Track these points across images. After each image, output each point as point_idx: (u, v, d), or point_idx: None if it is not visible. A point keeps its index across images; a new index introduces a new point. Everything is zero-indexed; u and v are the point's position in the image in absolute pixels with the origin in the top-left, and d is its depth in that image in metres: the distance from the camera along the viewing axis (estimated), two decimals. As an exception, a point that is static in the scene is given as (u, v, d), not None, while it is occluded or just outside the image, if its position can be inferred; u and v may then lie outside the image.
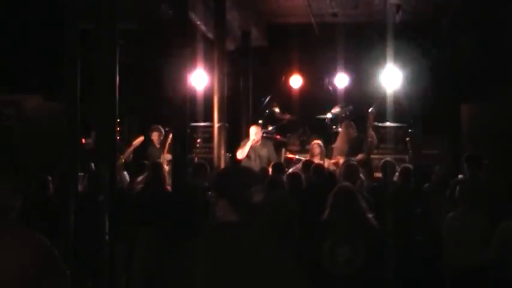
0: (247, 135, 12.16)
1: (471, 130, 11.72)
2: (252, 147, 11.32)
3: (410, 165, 9.09)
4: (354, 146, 11.32)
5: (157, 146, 11.82)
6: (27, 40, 11.69)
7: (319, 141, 12.04)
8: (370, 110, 12.69)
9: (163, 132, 11.98)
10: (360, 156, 10.48)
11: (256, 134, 11.37)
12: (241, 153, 11.36)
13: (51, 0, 10.21)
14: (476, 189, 6.98)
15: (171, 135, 9.94)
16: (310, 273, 5.45)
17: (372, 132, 12.31)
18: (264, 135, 13.48)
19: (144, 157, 10.96)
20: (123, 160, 10.91)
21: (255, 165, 10.70)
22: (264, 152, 11.41)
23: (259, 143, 11.44)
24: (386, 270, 5.57)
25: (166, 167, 9.74)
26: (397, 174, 8.83)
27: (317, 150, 11.75)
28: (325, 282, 5.34)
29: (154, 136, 11.93)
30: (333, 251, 5.29)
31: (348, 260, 5.26)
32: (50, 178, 8.17)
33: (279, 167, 9.51)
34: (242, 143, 11.56)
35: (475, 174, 7.80)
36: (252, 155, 11.33)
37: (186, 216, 7.54)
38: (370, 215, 5.55)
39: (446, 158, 12.14)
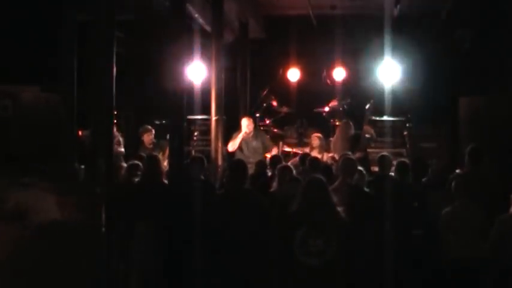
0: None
1: (470, 123, 11.68)
2: (243, 139, 11.28)
3: (406, 160, 9.09)
4: (352, 144, 11.32)
5: (149, 146, 11.80)
6: (24, 30, 11.62)
7: (319, 134, 12.04)
8: (366, 107, 12.69)
9: (153, 132, 11.97)
10: (358, 154, 10.48)
11: (247, 126, 11.33)
12: (232, 146, 11.34)
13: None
14: (476, 183, 6.97)
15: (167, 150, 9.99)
16: (283, 263, 5.47)
17: (370, 130, 12.32)
18: (263, 128, 13.49)
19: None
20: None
21: (247, 157, 10.67)
22: (256, 144, 11.36)
23: (251, 134, 11.40)
24: (358, 263, 5.58)
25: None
26: (393, 168, 8.82)
27: (316, 142, 11.75)
28: (297, 272, 5.36)
29: (146, 137, 11.91)
30: (305, 241, 5.31)
31: (320, 251, 5.28)
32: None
33: (277, 160, 9.48)
34: (234, 135, 11.53)
35: (475, 167, 7.78)
36: (244, 147, 11.30)
37: (182, 209, 7.52)
38: (339, 208, 5.57)
39: (444, 151, 12.14)
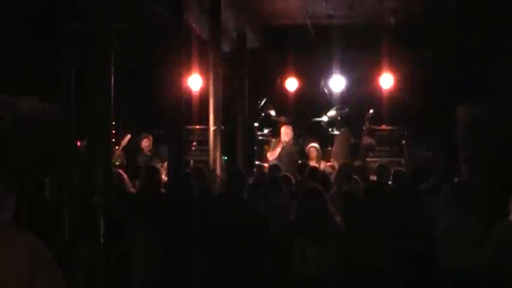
0: (243, 138, 12.16)
1: (467, 132, 11.71)
2: (283, 148, 11.37)
3: (402, 169, 9.12)
4: (352, 153, 11.36)
5: (148, 153, 11.80)
6: (22, 40, 11.65)
7: (315, 145, 12.06)
8: (366, 116, 12.72)
9: (151, 139, 11.99)
10: (357, 163, 10.52)
11: (287, 134, 11.46)
12: (271, 155, 11.42)
13: (47, 0, 10.18)
14: (473, 191, 6.98)
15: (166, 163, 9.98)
16: (281, 274, 5.47)
17: (370, 139, 12.36)
18: (261, 138, 13.52)
19: (134, 165, 10.94)
20: (117, 162, 10.89)
21: (287, 166, 10.67)
22: (294, 152, 11.44)
23: (291, 143, 11.50)
24: (356, 273, 5.59)
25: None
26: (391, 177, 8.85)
27: (314, 154, 11.78)
28: (296, 283, 5.36)
29: (144, 143, 11.91)
30: (304, 251, 5.31)
31: (319, 260, 5.29)
32: (47, 180, 8.14)
33: (276, 170, 9.49)
34: (272, 144, 11.61)
35: (472, 175, 7.80)
36: (284, 156, 11.35)
37: (181, 219, 7.52)
38: (337, 217, 5.58)
39: (442, 160, 12.15)
